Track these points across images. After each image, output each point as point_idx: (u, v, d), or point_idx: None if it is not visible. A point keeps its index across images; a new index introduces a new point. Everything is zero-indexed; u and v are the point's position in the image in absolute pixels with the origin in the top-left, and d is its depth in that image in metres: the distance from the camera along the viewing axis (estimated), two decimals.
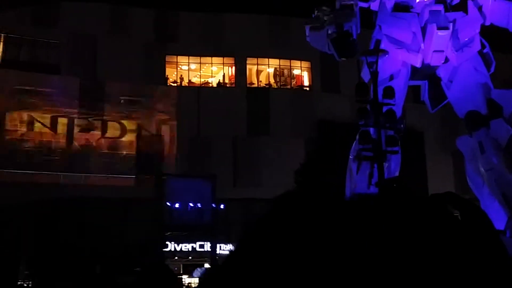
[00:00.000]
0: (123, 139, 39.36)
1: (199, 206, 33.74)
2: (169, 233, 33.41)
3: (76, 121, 38.37)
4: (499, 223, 13.03)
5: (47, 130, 37.78)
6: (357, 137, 14.80)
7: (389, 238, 0.80)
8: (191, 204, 33.64)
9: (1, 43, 37.97)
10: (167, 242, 34.16)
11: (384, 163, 14.28)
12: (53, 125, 37.98)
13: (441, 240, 0.82)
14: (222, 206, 35.96)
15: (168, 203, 33.13)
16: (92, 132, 38.76)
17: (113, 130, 39.22)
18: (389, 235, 0.81)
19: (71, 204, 33.61)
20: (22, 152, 36.75)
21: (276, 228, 0.86)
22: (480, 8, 15.63)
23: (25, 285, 32.20)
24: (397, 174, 15.14)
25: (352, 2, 16.28)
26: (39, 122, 37.57)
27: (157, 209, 32.96)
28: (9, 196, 31.46)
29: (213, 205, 34.19)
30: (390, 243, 0.80)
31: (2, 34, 37.89)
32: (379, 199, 0.95)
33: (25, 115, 37.41)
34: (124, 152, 39.24)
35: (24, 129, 37.24)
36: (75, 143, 38.26)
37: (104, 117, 39.04)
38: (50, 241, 32.08)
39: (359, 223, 0.84)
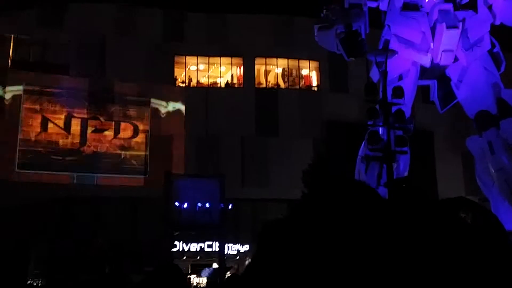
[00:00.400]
0: (134, 139, 39.57)
1: (208, 206, 33.76)
2: (177, 233, 33.49)
3: (89, 122, 38.64)
4: (509, 224, 12.95)
5: (60, 130, 38.07)
6: (366, 137, 14.75)
7: (405, 244, 0.80)
8: (199, 204, 33.66)
9: (11, 44, 38.25)
10: (175, 242, 34.24)
11: (393, 164, 14.23)
12: (66, 126, 38.28)
13: (453, 245, 0.81)
14: (230, 206, 35.99)
15: (176, 203, 33.19)
16: (104, 132, 39.00)
17: (124, 130, 39.45)
18: (404, 241, 0.80)
19: (82, 204, 33.86)
20: (35, 152, 37.07)
21: (298, 232, 0.86)
22: (490, 7, 15.54)
23: (35, 284, 32.39)
24: (406, 174, 15.09)
25: (361, 2, 16.25)
26: (53, 122, 37.88)
27: (166, 209, 33.03)
28: (21, 196, 31.72)
29: (222, 204, 34.21)
30: (406, 249, 0.79)
31: (12, 36, 38.17)
32: (394, 204, 0.95)
33: (38, 116, 37.71)
34: (134, 152, 39.43)
35: (38, 129, 37.57)
36: (88, 144, 38.52)
37: (114, 118, 39.26)
38: (60, 240, 32.29)
39: (374, 230, 0.84)
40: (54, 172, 36.72)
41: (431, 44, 15.11)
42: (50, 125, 37.90)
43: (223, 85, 42.63)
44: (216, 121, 39.00)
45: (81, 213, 33.86)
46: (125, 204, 34.79)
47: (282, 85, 43.28)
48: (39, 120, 37.71)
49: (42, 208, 32.27)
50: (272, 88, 42.60)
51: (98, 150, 38.60)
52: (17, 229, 30.38)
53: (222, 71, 43.18)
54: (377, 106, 14.84)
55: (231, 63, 42.83)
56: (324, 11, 16.33)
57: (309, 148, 38.23)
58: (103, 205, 34.15)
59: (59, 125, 38.06)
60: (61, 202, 33.50)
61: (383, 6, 16.79)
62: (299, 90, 42.83)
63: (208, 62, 42.44)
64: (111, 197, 34.23)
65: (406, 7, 15.77)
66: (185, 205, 33.24)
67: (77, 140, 38.45)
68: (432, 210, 0.91)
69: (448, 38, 14.66)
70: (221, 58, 42.25)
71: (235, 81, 42.96)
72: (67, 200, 33.70)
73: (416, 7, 15.70)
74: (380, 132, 14.56)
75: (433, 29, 15.07)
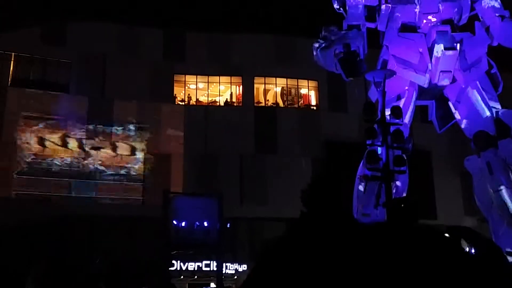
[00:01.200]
0: (132, 157, 39.53)
1: (206, 224, 33.59)
2: (175, 252, 33.28)
3: (86, 141, 38.63)
4: (508, 245, 12.90)
5: (58, 148, 38.05)
6: (365, 156, 14.77)
7: (405, 274, 0.81)
8: (197, 223, 33.50)
9: (12, 62, 38.44)
10: (173, 261, 34.00)
11: (391, 183, 14.22)
12: (64, 144, 38.26)
13: (454, 277, 0.82)
14: (228, 225, 35.82)
15: (174, 222, 33.02)
16: (102, 150, 38.96)
17: (122, 149, 39.44)
18: (404, 271, 0.81)
19: (80, 222, 33.69)
20: (33, 170, 37.00)
21: (295, 253, 0.87)
22: (487, 29, 15.70)
23: None
24: (404, 194, 15.07)
25: (359, 23, 16.42)
26: (50, 141, 37.85)
27: (163, 227, 32.88)
28: (19, 213, 31.59)
29: (220, 223, 34.05)
30: (406, 278, 0.80)
31: (13, 53, 38.38)
32: (393, 230, 0.96)
33: (36, 133, 37.71)
34: (133, 171, 39.37)
35: (36, 146, 37.55)
36: (86, 161, 38.46)
37: (113, 137, 39.30)
38: (58, 258, 32.02)
39: (373, 254, 0.85)
40: (51, 192, 36.62)
41: (429, 64, 15.23)
42: (47, 143, 37.88)
43: (222, 104, 42.76)
44: (215, 139, 39.05)
45: (78, 231, 33.68)
46: (123, 222, 34.61)
47: (281, 104, 43.43)
48: (36, 139, 37.68)
49: (40, 226, 32.11)
50: (271, 106, 42.75)
51: (96, 168, 38.55)
52: (15, 247, 30.18)
53: (222, 90, 43.36)
54: (375, 126, 14.88)
55: (231, 82, 43.03)
56: (323, 31, 16.48)
57: (308, 167, 38.23)
58: (101, 224, 33.98)
59: (56, 143, 38.04)
60: (59, 220, 33.34)
61: (381, 27, 16.95)
62: (298, 109, 42.97)
63: (208, 81, 42.64)
64: (109, 216, 34.08)
65: (404, 28, 15.94)
66: (183, 224, 33.08)
67: (75, 156, 38.41)
68: (433, 241, 0.92)
69: (446, 59, 14.78)
70: (221, 77, 42.46)
71: (234, 99, 43.11)
72: (64, 218, 33.55)
73: (413, 29, 15.86)
74: (379, 152, 14.59)
75: (430, 50, 15.20)
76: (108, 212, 34.43)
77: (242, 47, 41.16)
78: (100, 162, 38.76)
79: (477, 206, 15.32)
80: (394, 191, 14.36)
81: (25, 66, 38.61)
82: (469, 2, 16.07)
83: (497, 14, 15.51)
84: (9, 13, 35.67)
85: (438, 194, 40.02)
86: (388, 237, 0.88)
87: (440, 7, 15.72)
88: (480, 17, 16.09)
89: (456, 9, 15.91)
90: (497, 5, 15.72)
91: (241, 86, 42.67)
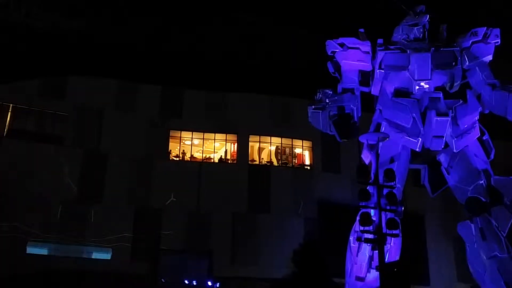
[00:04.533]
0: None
1: (195, 283, 32.93)
2: None
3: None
4: None
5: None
6: (358, 218, 14.71)
7: None
8: (186, 281, 32.85)
9: (9, 113, 38.69)
10: None
11: (384, 246, 14.09)
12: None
13: None
14: (218, 285, 35.09)
15: (163, 280, 32.37)
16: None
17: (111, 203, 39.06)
18: None
19: (66, 277, 32.85)
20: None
21: None
22: (478, 97, 16.07)
23: None
24: (397, 258, 14.91)
25: (353, 86, 16.79)
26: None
27: (151, 285, 32.15)
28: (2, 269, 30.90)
29: (209, 282, 33.38)
30: None
31: (11, 105, 38.69)
32: None
33: (27, 185, 37.40)
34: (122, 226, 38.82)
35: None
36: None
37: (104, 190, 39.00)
38: None
39: None
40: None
41: (422, 129, 15.46)
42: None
43: (216, 160, 42.86)
44: (208, 196, 38.86)
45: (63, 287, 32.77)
46: (110, 279, 33.79)
47: (275, 162, 43.56)
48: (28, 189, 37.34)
49: (24, 281, 31.27)
50: (265, 165, 42.85)
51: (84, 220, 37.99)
52: None
53: (217, 147, 43.57)
54: (368, 188, 14.90)
55: (226, 139, 43.32)
56: (318, 93, 16.81)
57: (300, 227, 37.91)
58: (87, 279, 33.14)
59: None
60: (43, 276, 32.46)
61: (375, 91, 17.34)
62: (292, 169, 43.07)
63: (203, 138, 42.91)
64: (95, 271, 33.31)
65: (397, 93, 16.29)
66: (172, 282, 32.42)
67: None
68: None
69: (438, 125, 15.04)
70: (216, 134, 42.78)
71: (228, 156, 43.25)
72: (49, 273, 32.72)
73: (407, 94, 16.21)
74: (372, 214, 14.55)
75: (423, 116, 15.48)
76: (95, 268, 33.70)
77: (238, 106, 41.73)
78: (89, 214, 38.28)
79: (470, 272, 15.14)
80: (387, 254, 14.21)
81: (22, 117, 38.83)
82: (461, 71, 16.51)
83: (488, 83, 15.92)
84: (10, 65, 36.26)
85: (431, 258, 39.56)
86: None
87: (433, 75, 16.14)
88: (471, 85, 16.50)
89: (448, 77, 16.34)
90: (488, 74, 16.17)
91: (236, 144, 42.92)
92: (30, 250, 34.88)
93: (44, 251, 35.77)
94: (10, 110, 38.86)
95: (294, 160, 44.20)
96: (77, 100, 39.01)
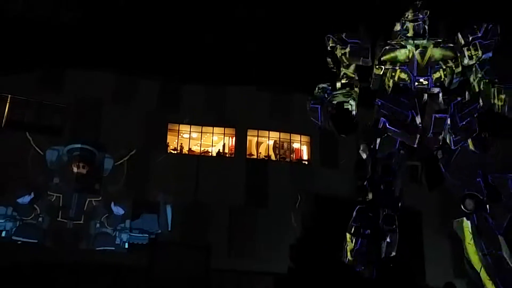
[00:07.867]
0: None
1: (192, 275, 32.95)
2: None
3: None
4: None
5: None
6: (354, 214, 14.71)
7: None
8: (183, 274, 32.87)
9: (7, 104, 38.66)
10: None
11: (381, 242, 14.10)
12: None
13: None
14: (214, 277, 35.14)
15: (159, 272, 32.39)
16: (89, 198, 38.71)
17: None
18: None
19: (63, 270, 32.92)
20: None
21: None
22: (478, 93, 16.03)
23: None
24: (394, 253, 14.93)
25: (352, 82, 16.72)
26: None
27: (148, 277, 32.21)
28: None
29: (206, 275, 33.43)
30: None
31: (9, 96, 38.67)
32: None
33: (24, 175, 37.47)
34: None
35: None
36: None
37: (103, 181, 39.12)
38: None
39: None
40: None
41: (420, 126, 15.45)
42: None
43: (214, 154, 42.90)
44: (206, 189, 38.94)
45: (61, 280, 32.84)
46: (107, 270, 33.89)
47: (273, 157, 43.62)
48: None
49: (17, 272, 31.29)
50: (263, 159, 42.89)
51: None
52: None
53: (215, 140, 43.60)
54: (366, 183, 14.89)
55: (224, 133, 43.33)
56: (317, 88, 16.75)
57: (298, 222, 38.01)
58: (84, 271, 33.24)
59: None
60: (40, 267, 32.53)
61: (374, 87, 17.27)
62: (289, 163, 43.12)
63: (201, 131, 42.92)
64: (92, 263, 33.42)
65: (396, 89, 16.25)
66: (168, 273, 32.45)
67: None
68: None
69: (437, 121, 15.02)
70: (214, 128, 42.79)
71: (226, 150, 43.28)
72: (46, 265, 32.77)
73: (406, 90, 16.17)
74: (369, 210, 14.53)
75: (421, 111, 15.46)
76: (91, 259, 33.81)
77: (237, 99, 41.73)
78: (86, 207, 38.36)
79: (466, 269, 15.17)
80: (383, 250, 14.22)
81: (20, 109, 38.82)
82: (461, 67, 16.46)
83: (487, 80, 15.89)
84: (8, 56, 36.19)
85: (427, 254, 39.70)
86: None
87: (432, 71, 16.09)
88: (470, 82, 16.46)
89: (447, 74, 16.28)
90: (487, 71, 16.12)
91: (234, 138, 42.91)
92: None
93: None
94: (8, 102, 38.90)
95: (292, 155, 44.26)
96: (76, 92, 39.04)
